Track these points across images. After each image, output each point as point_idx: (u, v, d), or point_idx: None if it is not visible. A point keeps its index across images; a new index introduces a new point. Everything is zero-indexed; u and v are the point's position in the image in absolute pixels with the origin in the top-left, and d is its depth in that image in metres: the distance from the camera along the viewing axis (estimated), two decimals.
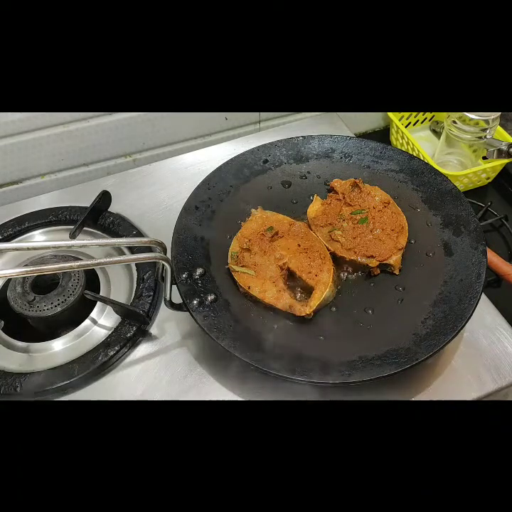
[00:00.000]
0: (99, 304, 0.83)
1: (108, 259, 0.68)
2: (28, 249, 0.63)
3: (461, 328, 0.69)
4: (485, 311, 0.80)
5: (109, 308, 0.82)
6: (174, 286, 0.74)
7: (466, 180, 1.02)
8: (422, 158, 1.01)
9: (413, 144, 1.06)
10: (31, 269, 0.60)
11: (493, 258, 0.92)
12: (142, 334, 0.79)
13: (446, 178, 0.86)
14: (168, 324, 0.81)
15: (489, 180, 1.06)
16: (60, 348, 0.79)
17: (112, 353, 0.75)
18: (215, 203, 0.87)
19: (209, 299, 0.74)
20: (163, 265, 0.71)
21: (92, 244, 0.73)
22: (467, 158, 1.08)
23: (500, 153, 1.01)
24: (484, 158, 1.07)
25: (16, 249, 0.62)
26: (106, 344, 0.76)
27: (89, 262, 0.63)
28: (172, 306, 0.74)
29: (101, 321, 0.82)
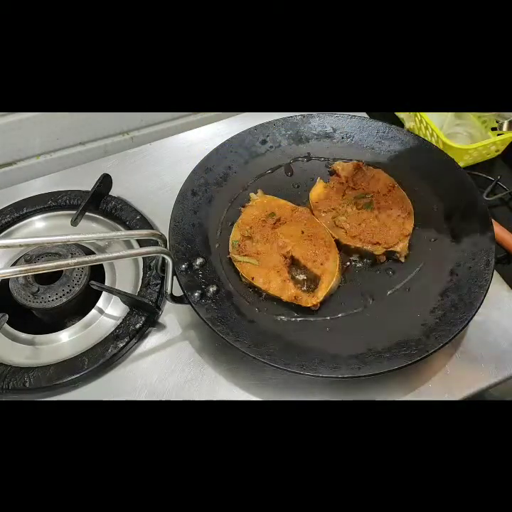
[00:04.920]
0: (105, 292, 0.82)
1: (107, 255, 0.66)
2: (20, 246, 0.61)
3: (472, 318, 0.68)
4: (496, 288, 0.78)
5: (115, 296, 0.81)
6: (174, 278, 0.72)
7: (475, 153, 0.99)
8: (430, 131, 0.98)
9: (421, 116, 1.02)
10: (26, 268, 0.58)
11: (503, 234, 0.90)
12: (151, 324, 0.79)
13: (453, 159, 0.84)
14: (178, 312, 0.80)
15: (498, 153, 1.02)
16: (67, 340, 0.79)
17: (121, 344, 0.75)
18: (213, 188, 0.85)
19: (211, 290, 0.73)
20: (163, 258, 0.69)
21: (89, 239, 0.71)
22: (476, 129, 1.04)
23: (511, 125, 0.98)
24: (493, 129, 1.03)
25: (7, 246, 0.60)
26: (115, 336, 0.76)
27: (87, 259, 0.61)
28: (173, 299, 0.73)
29: (108, 311, 0.81)
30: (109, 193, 0.92)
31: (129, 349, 0.76)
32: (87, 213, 0.89)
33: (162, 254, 0.68)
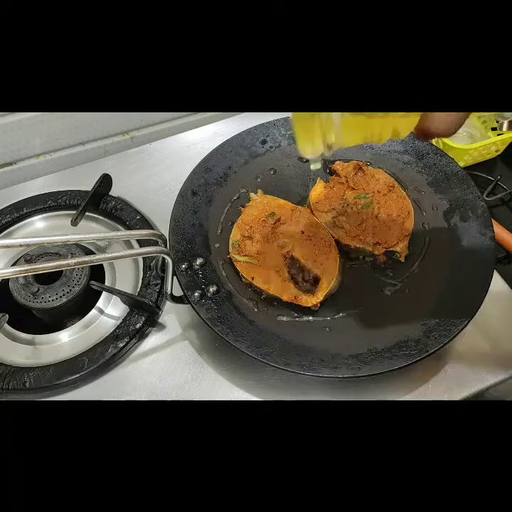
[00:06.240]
0: (105, 292, 0.82)
1: (107, 255, 0.66)
2: (20, 246, 0.61)
3: (472, 318, 0.68)
4: (496, 288, 0.78)
5: (115, 296, 0.81)
6: (174, 278, 0.72)
7: (475, 153, 0.99)
8: None
9: None
10: (26, 268, 0.58)
11: (503, 234, 0.90)
12: (151, 324, 0.79)
13: (452, 159, 0.84)
14: (178, 313, 0.80)
15: (498, 153, 1.02)
16: (66, 340, 0.79)
17: (121, 344, 0.75)
18: (213, 188, 0.84)
19: (211, 290, 0.73)
20: (163, 258, 0.69)
21: (89, 239, 0.71)
22: (476, 129, 1.04)
23: (511, 125, 0.98)
24: (493, 129, 1.04)
25: (8, 246, 0.60)
26: (115, 336, 0.76)
27: (87, 259, 0.61)
28: (173, 299, 0.73)
29: (108, 311, 0.81)
30: (109, 193, 0.92)
31: (129, 349, 0.76)
32: (87, 213, 0.89)
33: (162, 254, 0.68)
